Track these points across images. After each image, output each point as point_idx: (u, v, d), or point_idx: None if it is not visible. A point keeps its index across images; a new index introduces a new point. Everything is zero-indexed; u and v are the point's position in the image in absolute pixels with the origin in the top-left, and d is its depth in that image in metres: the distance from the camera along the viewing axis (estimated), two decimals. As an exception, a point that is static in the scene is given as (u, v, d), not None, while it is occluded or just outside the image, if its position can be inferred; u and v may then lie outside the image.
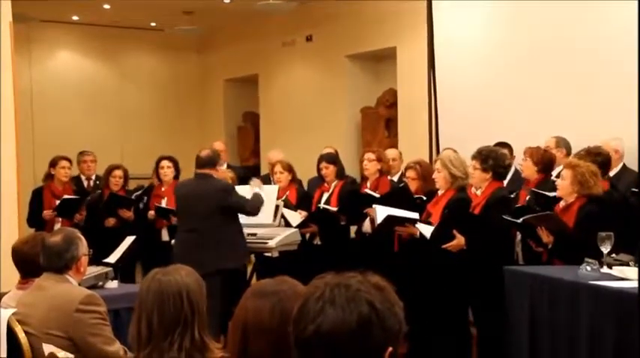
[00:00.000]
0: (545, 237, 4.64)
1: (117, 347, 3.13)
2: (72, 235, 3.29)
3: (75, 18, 9.91)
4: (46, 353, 2.88)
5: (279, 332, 1.74)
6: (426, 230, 5.16)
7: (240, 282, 6.57)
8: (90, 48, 10.44)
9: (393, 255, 5.86)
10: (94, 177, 7.83)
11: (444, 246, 4.99)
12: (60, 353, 2.85)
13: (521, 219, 4.68)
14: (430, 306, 5.28)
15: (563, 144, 5.99)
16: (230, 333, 1.87)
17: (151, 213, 6.89)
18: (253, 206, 5.74)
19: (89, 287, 4.56)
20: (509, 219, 4.78)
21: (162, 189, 6.99)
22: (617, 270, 3.84)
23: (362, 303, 1.39)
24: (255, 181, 6.17)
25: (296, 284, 1.92)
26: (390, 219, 5.47)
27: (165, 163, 6.98)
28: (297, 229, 6.25)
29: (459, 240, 4.96)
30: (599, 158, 5.32)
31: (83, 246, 3.31)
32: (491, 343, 4.91)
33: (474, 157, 5.17)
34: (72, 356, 2.90)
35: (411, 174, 5.96)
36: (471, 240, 4.95)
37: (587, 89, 6.14)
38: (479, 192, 5.18)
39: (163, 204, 6.82)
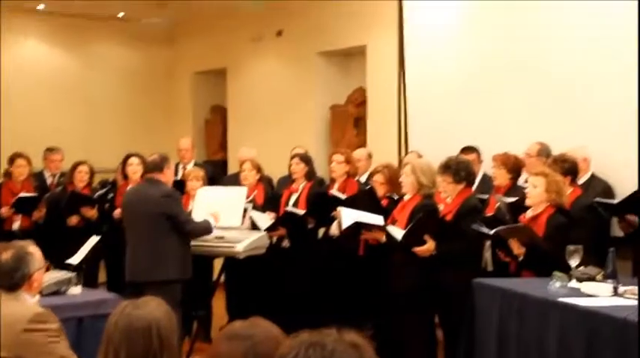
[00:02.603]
0: (517, 248, 4.62)
1: None
2: (22, 252, 3.14)
3: (43, 7, 9.72)
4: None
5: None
6: (397, 233, 5.13)
7: (206, 284, 6.52)
8: (58, 38, 10.24)
9: (358, 258, 5.86)
10: (58, 174, 7.70)
11: (414, 250, 4.98)
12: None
13: (492, 231, 4.67)
14: (397, 309, 5.28)
15: (545, 153, 5.85)
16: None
17: (117, 211, 6.75)
18: (195, 229, 5.47)
19: (51, 294, 4.48)
20: (480, 230, 4.77)
21: (129, 187, 6.86)
22: (586, 287, 3.84)
23: None
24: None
25: (270, 326, 1.85)
26: (357, 225, 5.45)
27: (133, 160, 6.83)
28: (265, 233, 6.18)
29: (430, 245, 4.96)
30: (566, 164, 5.34)
31: (36, 261, 3.17)
32: (457, 348, 4.90)
33: (443, 172, 5.14)
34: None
35: (378, 178, 5.94)
36: (441, 245, 4.95)
37: (557, 94, 6.12)
38: (449, 200, 5.18)
39: (129, 203, 6.70)
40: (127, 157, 6.90)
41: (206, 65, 10.57)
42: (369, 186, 6.06)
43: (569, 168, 5.35)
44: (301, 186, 6.49)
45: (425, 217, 5.02)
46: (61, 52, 10.34)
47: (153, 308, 2.20)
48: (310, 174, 6.52)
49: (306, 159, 6.58)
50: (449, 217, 5.10)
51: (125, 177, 6.89)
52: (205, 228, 5.55)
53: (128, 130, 10.30)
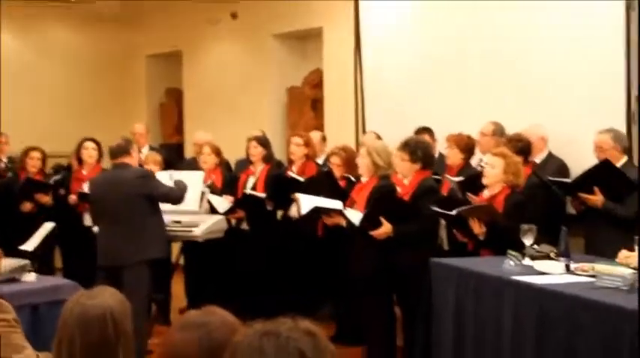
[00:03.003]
0: (478, 228, 4.64)
1: (27, 353, 2.99)
2: None
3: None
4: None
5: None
6: (355, 217, 5.15)
7: (165, 267, 6.49)
8: (9, 24, 9.96)
9: (317, 239, 5.91)
10: (5, 159, 7.56)
11: (371, 233, 4.99)
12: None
13: (455, 211, 4.67)
14: (355, 292, 5.34)
15: (499, 132, 5.93)
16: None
17: (73, 197, 6.71)
18: (177, 194, 5.54)
19: (5, 281, 4.42)
20: (440, 211, 4.78)
21: (84, 172, 6.79)
22: (539, 264, 3.89)
23: (292, 352, 1.34)
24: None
25: (225, 315, 1.84)
26: (316, 210, 5.46)
27: (89, 144, 6.79)
28: (223, 216, 6.17)
29: (386, 228, 4.97)
30: (520, 144, 5.43)
31: None
32: (415, 328, 4.95)
33: (401, 149, 5.15)
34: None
35: (335, 160, 5.97)
36: (399, 227, 4.96)
37: (511, 76, 6.19)
38: (406, 181, 5.19)
39: (85, 188, 6.62)
40: (83, 141, 6.83)
41: (161, 48, 10.45)
42: (327, 169, 6.09)
43: (522, 147, 5.43)
44: (259, 168, 6.49)
45: (382, 199, 5.04)
46: (11, 37, 10.11)
47: (107, 297, 2.19)
48: (268, 157, 6.52)
49: (263, 141, 6.57)
50: (406, 198, 5.12)
51: (80, 161, 6.82)
52: (181, 186, 5.62)
53: (82, 114, 10.17)
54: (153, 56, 10.67)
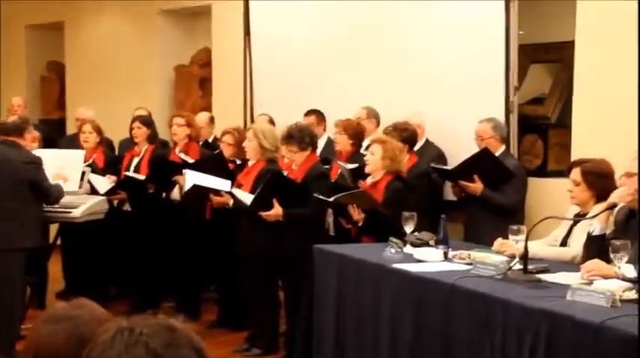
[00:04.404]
0: (357, 214, 4.72)
1: None
2: None
3: None
4: None
5: (77, 358, 1.66)
6: (246, 197, 5.11)
7: (41, 249, 6.26)
8: None
9: (205, 222, 5.84)
10: None
11: (262, 214, 4.98)
12: None
13: (332, 198, 4.73)
14: (242, 273, 5.34)
15: (373, 115, 6.12)
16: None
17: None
18: (55, 195, 5.28)
19: None
20: (321, 198, 4.81)
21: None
22: (418, 252, 3.98)
23: (139, 348, 1.34)
24: None
25: (94, 307, 1.79)
26: (197, 188, 5.40)
27: None
28: (104, 197, 6.03)
29: (277, 210, 4.96)
30: (406, 133, 5.55)
31: None
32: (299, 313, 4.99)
33: (288, 142, 5.12)
34: None
35: (228, 139, 5.92)
36: (288, 211, 4.97)
37: (395, 63, 6.29)
38: (294, 166, 5.19)
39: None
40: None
41: (41, 18, 10.00)
42: (218, 151, 6.04)
43: (408, 136, 5.53)
44: (143, 149, 6.37)
45: (273, 181, 5.02)
46: None
47: None
48: (152, 137, 6.41)
49: (147, 122, 6.46)
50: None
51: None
52: (61, 193, 5.40)
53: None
54: (33, 26, 10.20)
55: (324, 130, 6.42)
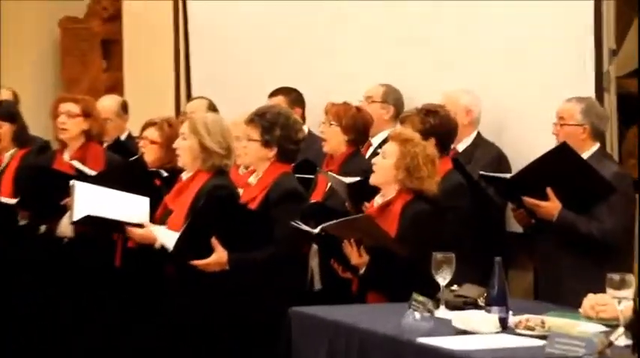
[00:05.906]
0: (356, 256, 4.71)
1: None
2: None
3: None
4: None
5: None
6: (168, 238, 5.18)
7: None
8: None
9: (113, 269, 5.93)
10: None
11: (194, 263, 5.07)
12: None
13: (318, 229, 4.75)
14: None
15: (392, 98, 6.35)
16: None
17: None
18: None
19: None
20: (302, 227, 4.85)
21: None
22: (459, 318, 3.92)
23: None
24: None
25: None
26: (91, 220, 5.51)
27: None
28: None
29: (220, 255, 5.05)
30: (435, 120, 5.36)
31: None
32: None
33: (250, 122, 5.21)
34: None
35: (152, 134, 6.03)
36: (238, 254, 5.07)
37: (423, 16, 6.76)
38: (253, 179, 5.29)
39: None
40: None
41: None
42: (136, 156, 6.17)
43: (438, 125, 5.44)
44: (7, 155, 6.56)
45: (214, 208, 5.12)
46: None
47: None
48: (20, 136, 6.60)
49: (9, 113, 6.66)
50: (253, 206, 5.23)
51: None
52: None
53: None
54: None
55: (303, 120, 6.46)
